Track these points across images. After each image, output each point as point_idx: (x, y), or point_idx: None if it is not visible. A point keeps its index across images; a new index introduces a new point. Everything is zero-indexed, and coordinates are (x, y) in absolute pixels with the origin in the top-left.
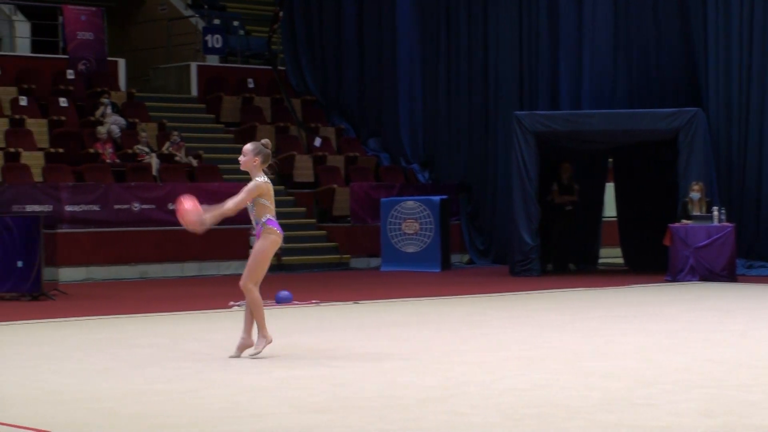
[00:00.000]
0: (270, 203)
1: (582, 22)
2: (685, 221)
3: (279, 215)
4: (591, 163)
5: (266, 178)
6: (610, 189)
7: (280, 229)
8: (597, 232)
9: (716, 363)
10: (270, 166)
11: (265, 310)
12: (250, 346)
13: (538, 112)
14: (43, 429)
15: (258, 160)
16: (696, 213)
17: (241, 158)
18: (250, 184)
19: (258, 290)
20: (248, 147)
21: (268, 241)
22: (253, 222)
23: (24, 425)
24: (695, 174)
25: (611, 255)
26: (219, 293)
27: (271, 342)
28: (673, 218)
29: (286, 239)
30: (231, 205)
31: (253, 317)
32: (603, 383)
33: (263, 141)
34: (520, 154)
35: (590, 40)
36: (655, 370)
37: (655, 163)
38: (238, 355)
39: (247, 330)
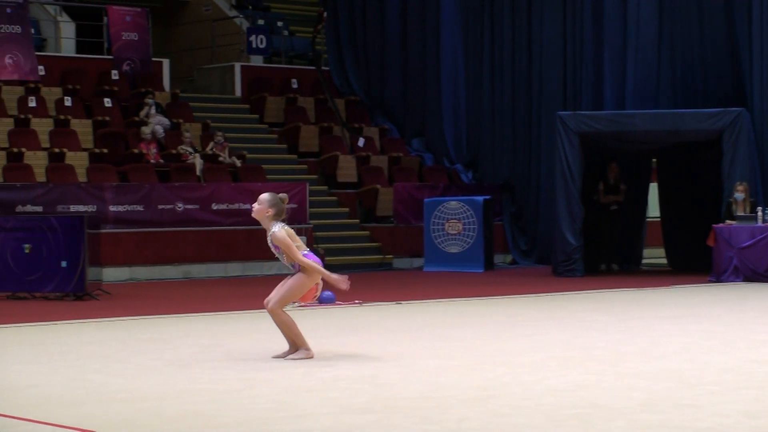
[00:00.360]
0: (298, 243)
1: (626, 22)
2: (729, 222)
3: (322, 215)
4: (635, 164)
5: (281, 226)
6: (653, 189)
7: (318, 260)
8: (641, 233)
9: (760, 364)
10: (282, 219)
11: (308, 311)
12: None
13: (581, 112)
14: (88, 429)
15: (272, 212)
16: (740, 213)
17: (255, 206)
18: (280, 236)
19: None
20: (265, 197)
21: (309, 280)
22: (290, 266)
23: (69, 425)
24: (739, 174)
25: (655, 255)
26: (262, 293)
27: (312, 357)
28: (717, 219)
29: (328, 239)
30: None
31: (291, 337)
32: (646, 384)
33: (281, 195)
34: (564, 154)
35: (634, 39)
36: (698, 370)
37: (699, 164)
38: (283, 357)
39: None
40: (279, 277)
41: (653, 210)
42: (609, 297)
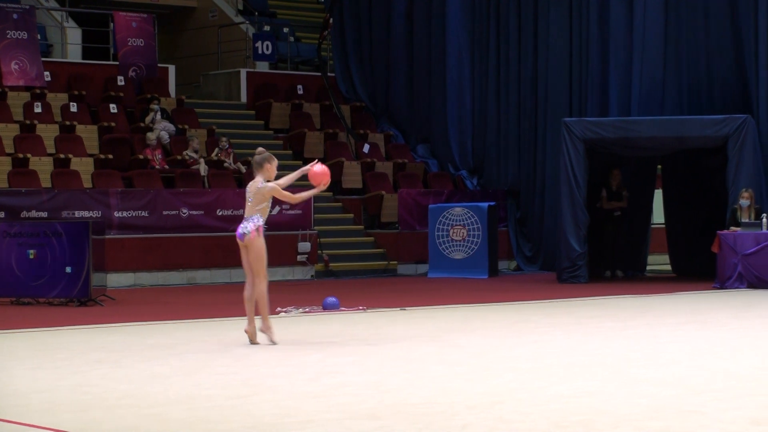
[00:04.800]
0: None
1: (632, 28)
2: (733, 228)
3: (327, 222)
4: (639, 170)
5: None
6: (658, 195)
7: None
8: (645, 239)
9: (765, 370)
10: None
11: (313, 317)
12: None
13: (586, 118)
14: None
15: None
16: (745, 220)
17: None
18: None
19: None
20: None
21: (263, 240)
22: (255, 216)
23: (74, 431)
24: (744, 181)
25: (659, 262)
26: None
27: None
28: (721, 225)
29: (333, 245)
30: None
31: (258, 307)
32: (651, 390)
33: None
34: (569, 160)
35: (640, 46)
36: (704, 377)
37: (704, 170)
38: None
39: (251, 320)
40: (286, 284)
41: (658, 216)
42: (614, 303)
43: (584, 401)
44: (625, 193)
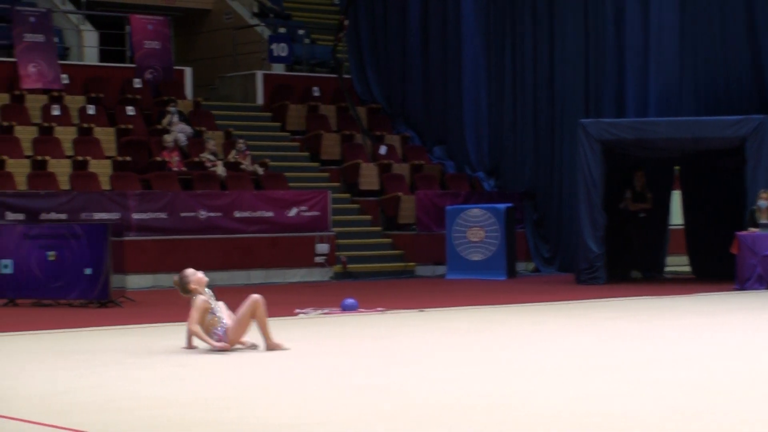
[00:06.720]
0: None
1: (648, 29)
2: (752, 229)
3: (345, 223)
4: (657, 171)
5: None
6: (676, 197)
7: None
8: (664, 241)
9: None
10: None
11: (331, 318)
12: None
13: (603, 120)
14: None
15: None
16: (763, 221)
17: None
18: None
19: None
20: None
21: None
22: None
23: (94, 431)
24: (762, 182)
25: (678, 263)
26: (284, 301)
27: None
28: (740, 226)
29: (351, 247)
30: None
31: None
32: (669, 392)
33: (175, 278)
34: (586, 161)
35: (656, 47)
36: (722, 379)
37: (722, 171)
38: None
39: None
40: (304, 286)
41: (676, 218)
42: (632, 305)
43: (602, 403)
44: (650, 194)
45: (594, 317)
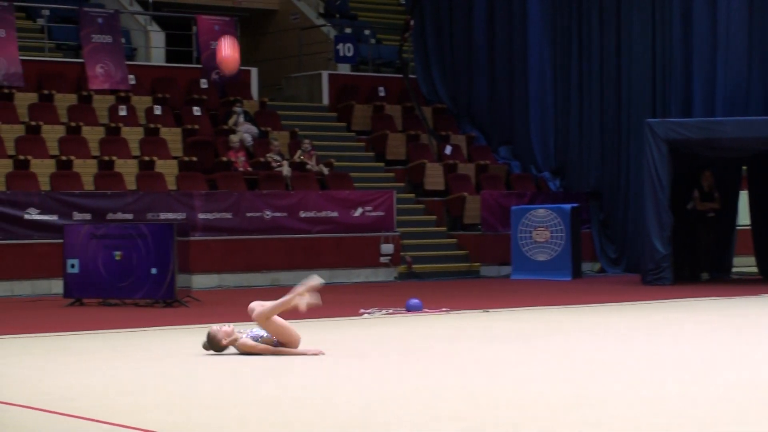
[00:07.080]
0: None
1: (716, 29)
2: None
3: (410, 223)
4: (725, 171)
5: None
6: (744, 197)
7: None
8: (731, 241)
9: None
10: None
11: (396, 318)
12: None
13: (670, 119)
14: None
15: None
16: None
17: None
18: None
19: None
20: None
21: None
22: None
23: (160, 430)
24: None
25: (745, 264)
26: (349, 301)
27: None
28: None
29: (416, 247)
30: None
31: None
32: (737, 395)
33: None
34: (652, 161)
35: (724, 45)
36: None
37: None
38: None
39: None
40: (369, 286)
41: (743, 218)
42: (699, 306)
43: (668, 404)
44: (717, 194)
45: (661, 318)
